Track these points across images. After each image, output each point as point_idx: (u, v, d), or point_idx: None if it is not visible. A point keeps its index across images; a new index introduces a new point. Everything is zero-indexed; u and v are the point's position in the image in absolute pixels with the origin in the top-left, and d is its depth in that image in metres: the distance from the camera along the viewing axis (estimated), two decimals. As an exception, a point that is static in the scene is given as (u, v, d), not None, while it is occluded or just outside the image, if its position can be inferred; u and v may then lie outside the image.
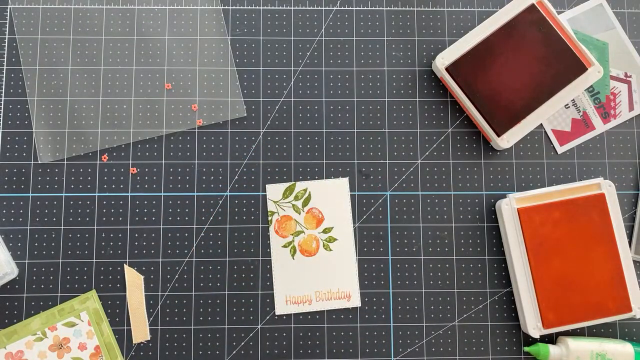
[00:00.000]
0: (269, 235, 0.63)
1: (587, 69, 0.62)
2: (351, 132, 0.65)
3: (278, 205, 0.63)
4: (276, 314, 0.62)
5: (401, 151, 0.65)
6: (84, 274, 0.62)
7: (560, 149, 0.66)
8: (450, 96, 0.66)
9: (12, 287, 0.61)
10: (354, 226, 0.64)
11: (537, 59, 0.62)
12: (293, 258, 0.63)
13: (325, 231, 0.63)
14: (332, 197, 0.64)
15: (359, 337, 0.62)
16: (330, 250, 0.63)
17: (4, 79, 0.65)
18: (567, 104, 0.66)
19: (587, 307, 0.59)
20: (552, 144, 0.66)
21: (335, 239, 0.63)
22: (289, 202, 0.64)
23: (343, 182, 0.64)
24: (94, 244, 0.63)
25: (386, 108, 0.66)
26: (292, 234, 0.63)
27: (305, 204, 0.64)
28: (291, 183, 0.64)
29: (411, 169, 0.65)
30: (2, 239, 0.62)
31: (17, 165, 0.63)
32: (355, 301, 0.62)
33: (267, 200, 0.64)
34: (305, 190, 0.64)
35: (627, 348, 0.59)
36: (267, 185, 0.64)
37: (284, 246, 0.63)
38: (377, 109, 0.66)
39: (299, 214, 0.63)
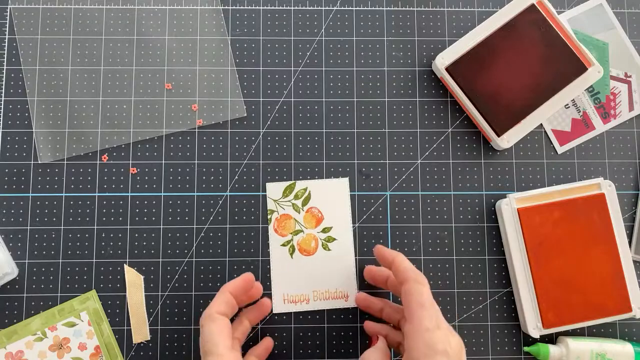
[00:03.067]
0: (269, 235, 0.63)
1: (587, 69, 0.62)
2: (351, 132, 0.65)
3: (278, 203, 0.63)
4: (273, 311, 0.62)
5: (401, 151, 0.65)
6: (84, 274, 0.62)
7: (560, 149, 0.66)
8: (450, 96, 0.66)
9: (12, 287, 0.61)
10: (353, 226, 0.64)
11: (537, 59, 0.62)
12: (292, 257, 0.63)
13: (324, 231, 0.63)
14: (332, 196, 0.64)
15: (359, 337, 0.62)
16: (329, 250, 0.63)
17: (4, 79, 0.65)
18: (567, 104, 0.66)
19: (587, 307, 0.59)
20: (552, 144, 0.66)
21: (335, 239, 0.63)
22: (288, 201, 0.64)
23: (343, 182, 0.64)
24: (94, 244, 0.63)
25: (386, 108, 0.66)
26: (291, 233, 0.63)
27: (305, 203, 0.64)
28: (291, 182, 0.64)
29: (411, 169, 0.65)
30: (2, 239, 0.62)
31: (17, 165, 0.63)
32: (353, 301, 0.62)
33: (267, 198, 0.64)
34: (305, 189, 0.64)
35: (627, 348, 0.59)
36: (267, 184, 0.64)
37: (283, 245, 0.63)
38: (377, 109, 0.66)
39: (299, 213, 0.63)
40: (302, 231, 0.63)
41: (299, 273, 0.62)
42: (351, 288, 0.62)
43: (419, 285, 0.48)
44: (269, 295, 0.62)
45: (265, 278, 0.62)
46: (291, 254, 0.63)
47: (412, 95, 0.66)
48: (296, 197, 0.64)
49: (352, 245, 0.63)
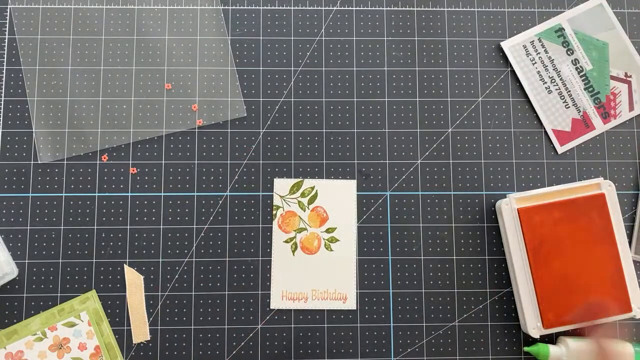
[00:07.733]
0: (269, 235, 0.63)
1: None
2: (351, 132, 0.65)
3: (284, 200, 0.63)
4: (270, 307, 0.62)
5: (401, 151, 0.65)
6: (84, 274, 0.62)
7: (560, 149, 0.66)
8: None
9: (12, 287, 0.61)
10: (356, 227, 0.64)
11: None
12: (293, 254, 0.63)
13: (328, 231, 0.63)
14: (339, 197, 0.64)
15: (359, 337, 0.62)
16: (332, 250, 0.63)
17: (4, 79, 0.65)
18: (568, 104, 0.66)
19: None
20: (552, 144, 0.66)
21: (338, 240, 0.63)
22: (295, 198, 0.64)
23: (350, 185, 0.64)
24: (94, 244, 0.63)
25: (386, 108, 0.66)
26: (295, 230, 0.63)
27: (311, 201, 0.64)
28: (299, 179, 0.64)
29: (411, 169, 0.65)
30: (2, 239, 0.62)
31: (17, 165, 0.63)
32: (351, 304, 0.62)
33: (274, 194, 0.64)
34: (312, 188, 0.64)
35: (627, 348, 0.59)
36: (274, 179, 0.64)
37: (286, 242, 0.63)
38: (377, 109, 0.66)
39: (304, 211, 0.63)
40: (305, 229, 0.63)
41: (300, 271, 0.62)
42: (350, 290, 0.62)
43: None
44: (268, 291, 0.62)
45: (265, 278, 0.62)
46: (293, 252, 0.63)
47: (412, 95, 0.66)
48: (303, 195, 0.64)
49: (355, 248, 0.63)
